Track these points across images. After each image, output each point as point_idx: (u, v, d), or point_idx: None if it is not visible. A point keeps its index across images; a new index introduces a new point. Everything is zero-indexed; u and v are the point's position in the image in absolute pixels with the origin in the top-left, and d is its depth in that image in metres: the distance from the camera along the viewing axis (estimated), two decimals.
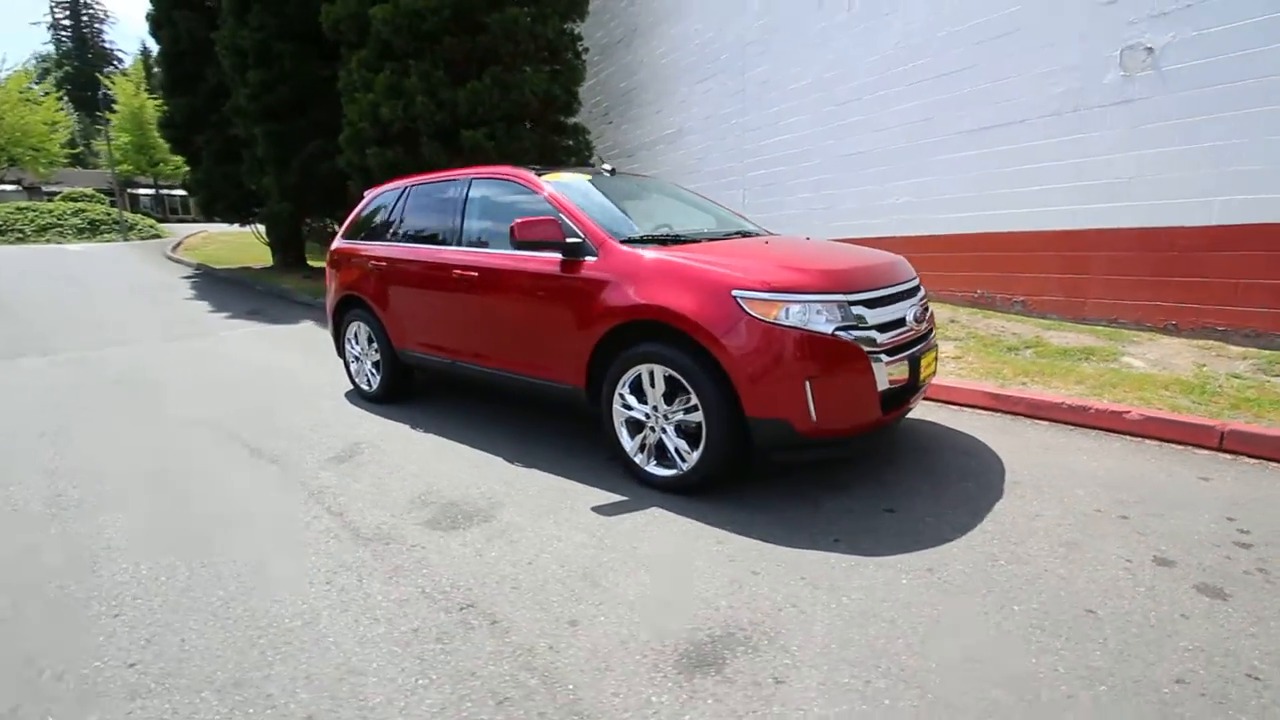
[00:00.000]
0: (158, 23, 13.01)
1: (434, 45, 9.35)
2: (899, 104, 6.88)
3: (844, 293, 2.66)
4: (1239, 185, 4.49)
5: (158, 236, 23.65)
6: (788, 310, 2.56)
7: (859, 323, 2.64)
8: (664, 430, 2.88)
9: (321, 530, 2.70)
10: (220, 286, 12.48)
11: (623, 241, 3.07)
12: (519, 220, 3.10)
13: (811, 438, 2.61)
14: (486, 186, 3.79)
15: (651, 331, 2.88)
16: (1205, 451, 3.18)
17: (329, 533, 2.68)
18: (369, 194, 4.85)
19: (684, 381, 2.74)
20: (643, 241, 3.13)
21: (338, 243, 4.88)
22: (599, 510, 2.79)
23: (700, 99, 10.00)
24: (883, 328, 2.72)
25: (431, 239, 4.03)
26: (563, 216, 3.19)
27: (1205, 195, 4.67)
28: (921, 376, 2.90)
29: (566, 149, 10.68)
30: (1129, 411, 3.47)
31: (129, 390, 5.10)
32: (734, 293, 2.62)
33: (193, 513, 2.90)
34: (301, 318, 9.37)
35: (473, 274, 3.62)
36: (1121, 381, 4.08)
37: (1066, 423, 3.67)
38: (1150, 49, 4.88)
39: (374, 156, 9.38)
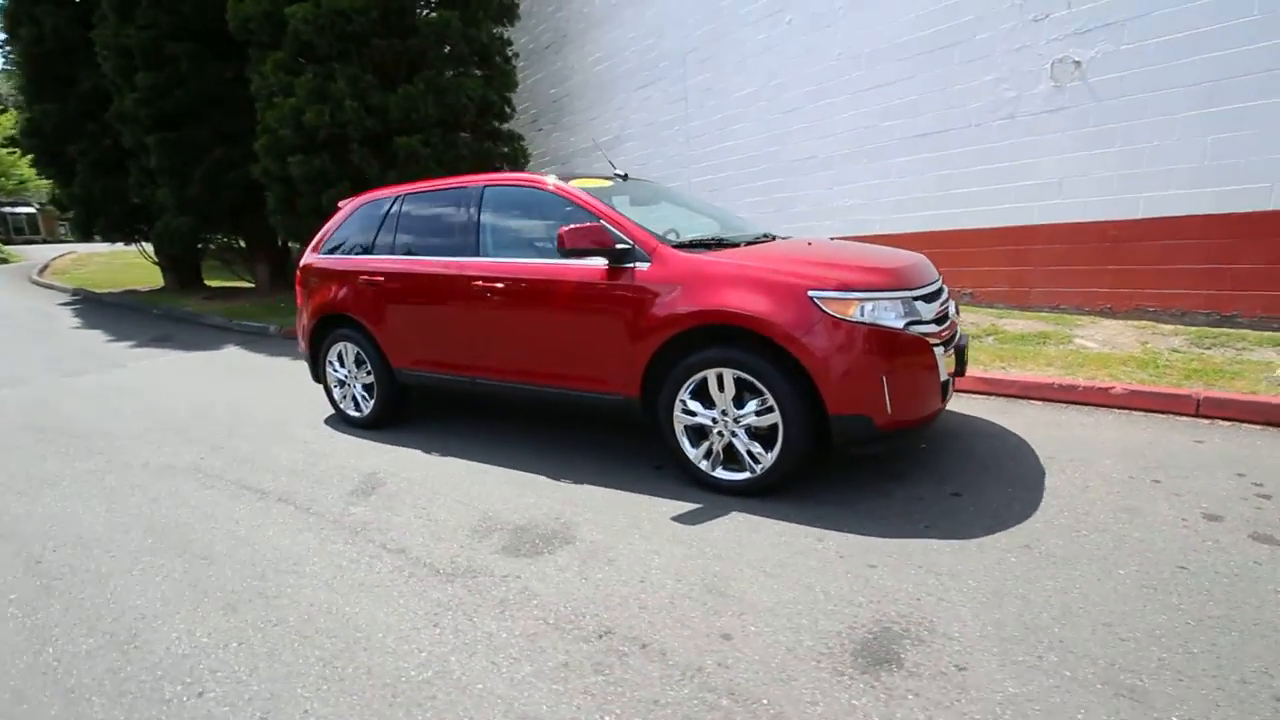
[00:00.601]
0: (15, 19, 11.40)
1: (361, 48, 8.83)
2: (844, 111, 7.26)
3: (906, 289, 2.77)
4: (1161, 183, 5.11)
5: (5, 261, 20.68)
6: (863, 308, 2.64)
7: (920, 317, 2.77)
8: (734, 434, 2.88)
9: (390, 570, 2.47)
10: (111, 312, 11.12)
11: (675, 247, 3.05)
12: (568, 227, 2.99)
13: (887, 431, 2.70)
14: (506, 194, 3.63)
15: (715, 336, 2.87)
16: (1185, 418, 3.59)
17: (400, 571, 2.45)
18: (345, 205, 4.50)
19: (758, 383, 2.75)
20: (692, 246, 3.12)
21: (310, 258, 4.48)
22: (680, 520, 2.74)
23: (640, 105, 10.07)
24: (936, 321, 2.87)
25: (439, 250, 3.80)
26: (606, 223, 3.11)
27: (1132, 192, 5.28)
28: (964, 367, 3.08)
29: (503, 156, 10.43)
30: (1113, 387, 3.86)
31: (57, 439, 4.42)
32: (810, 293, 2.66)
33: (225, 566, 2.56)
34: (221, 342, 8.55)
35: (499, 285, 3.44)
36: (1086, 361, 4.52)
37: (1058, 401, 4.02)
38: (1077, 62, 5.46)
39: (298, 165, 8.72)
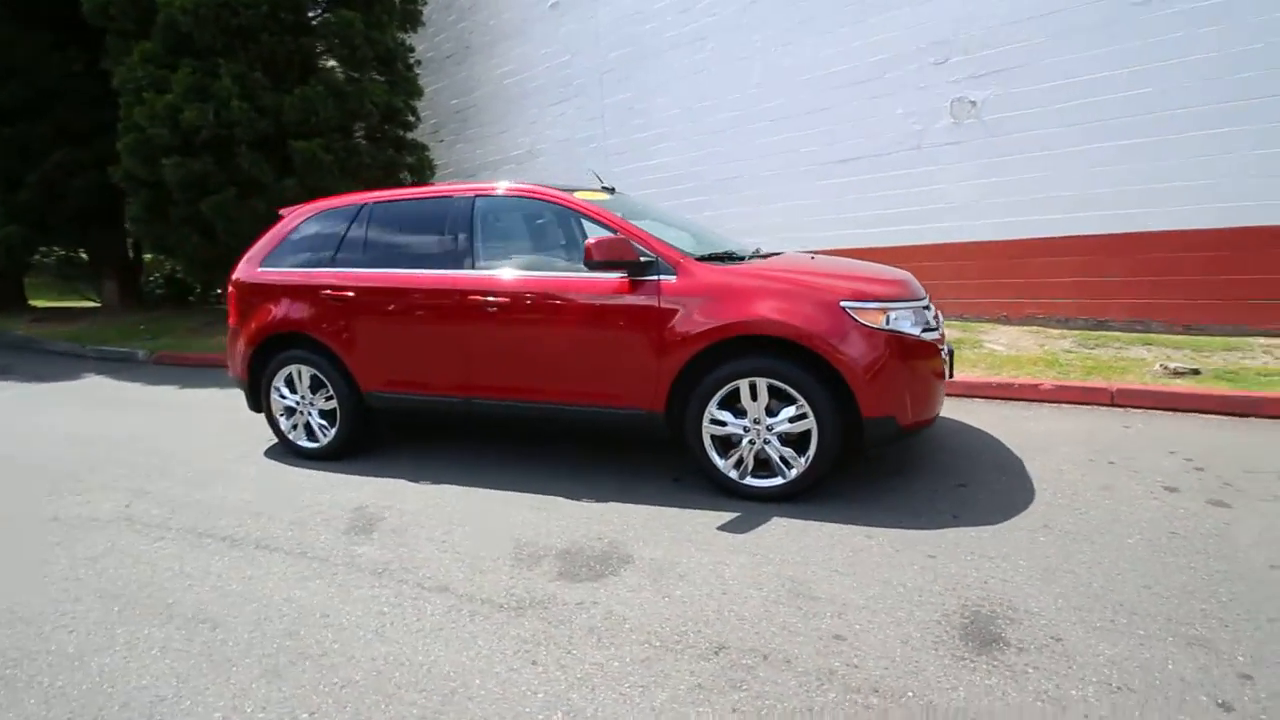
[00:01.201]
0: None
1: (249, 43, 8.03)
2: (767, 135, 7.71)
3: (916, 299, 3.01)
4: (1046, 208, 5.95)
5: None
6: (889, 317, 2.83)
7: (929, 325, 3.01)
8: (767, 441, 2.94)
9: (444, 610, 2.24)
10: None
11: (697, 260, 3.08)
12: (595, 240, 2.92)
13: (906, 431, 2.91)
14: (504, 205, 3.47)
15: (745, 347, 2.92)
16: (1103, 407, 4.19)
17: (456, 610, 2.24)
18: (292, 214, 4.05)
19: (792, 391, 2.84)
20: (710, 260, 3.16)
21: (248, 272, 3.98)
22: (727, 530, 2.75)
23: (554, 121, 10.01)
24: (935, 329, 3.14)
25: (424, 262, 3.53)
26: (627, 236, 3.07)
27: (1021, 215, 6.09)
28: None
29: (408, 166, 9.92)
30: (1042, 383, 4.42)
31: None
32: (843, 303, 2.80)
33: (236, 627, 2.19)
34: (77, 371, 7.36)
35: (504, 299, 3.27)
36: (1003, 362, 5.13)
37: (997, 397, 4.52)
38: (973, 101, 6.23)
39: (174, 169, 7.73)
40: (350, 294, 3.62)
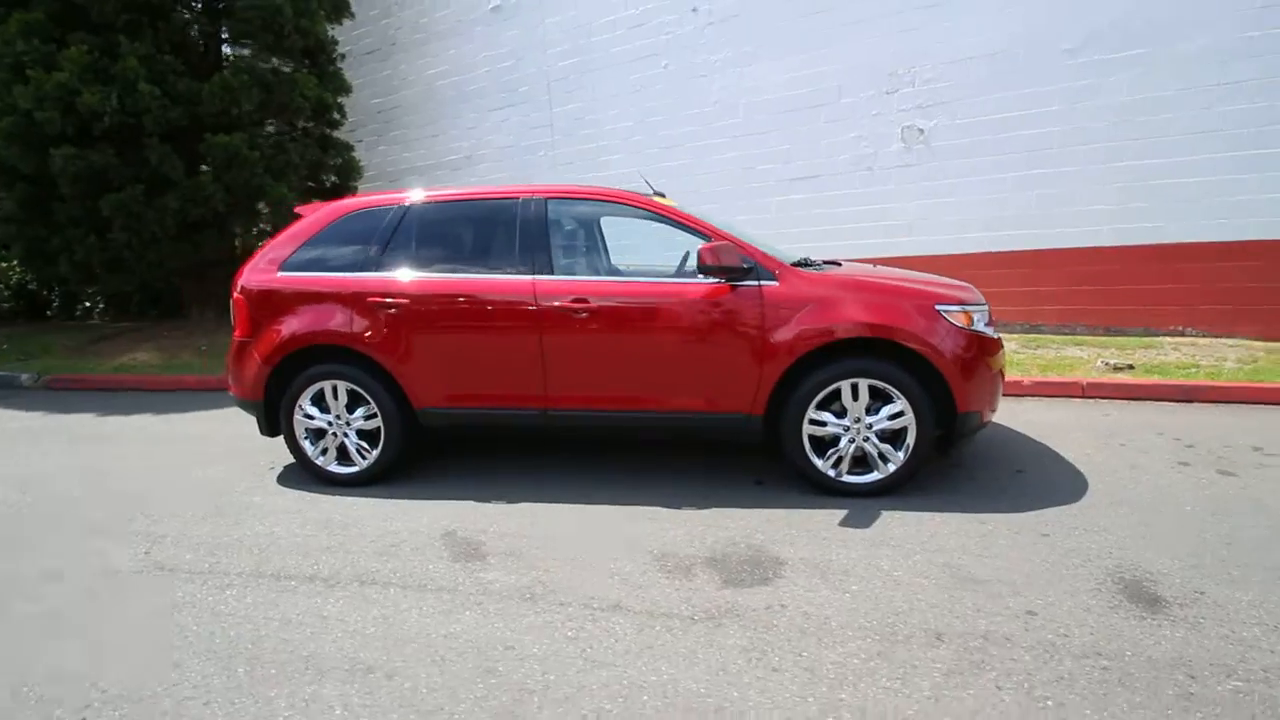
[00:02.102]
0: None
1: (158, 20, 7.09)
2: (723, 152, 8.01)
3: (984, 303, 3.31)
4: (986, 226, 6.71)
5: None
6: (973, 319, 3.09)
7: (992, 326, 3.33)
8: (866, 439, 3.09)
9: (637, 629, 2.14)
10: None
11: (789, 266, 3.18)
12: (710, 246, 2.94)
13: (984, 424, 3.19)
14: (579, 208, 3.37)
15: (846, 349, 3.06)
16: (1076, 399, 4.80)
17: (648, 629, 2.14)
18: (313, 213, 3.64)
19: (891, 389, 3.01)
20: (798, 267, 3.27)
21: (270, 277, 3.53)
22: (849, 525, 2.84)
23: (496, 127, 9.73)
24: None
25: (488, 267, 3.33)
26: (729, 243, 3.10)
27: (965, 233, 6.82)
28: None
29: (334, 168, 9.20)
30: (1024, 380, 4.98)
31: None
32: (938, 307, 3.03)
33: (415, 673, 1.95)
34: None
35: (593, 306, 3.16)
36: None
37: None
38: (921, 129, 6.90)
39: (66, 160, 6.66)
40: (406, 301, 3.32)
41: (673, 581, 2.45)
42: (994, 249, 6.70)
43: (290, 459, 3.95)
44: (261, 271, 3.57)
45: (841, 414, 3.09)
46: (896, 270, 3.79)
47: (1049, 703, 1.75)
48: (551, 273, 3.28)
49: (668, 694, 1.83)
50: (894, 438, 3.09)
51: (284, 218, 8.16)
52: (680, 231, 3.28)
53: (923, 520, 2.88)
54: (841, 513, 2.97)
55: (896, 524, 2.85)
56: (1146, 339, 6.00)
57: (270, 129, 8.54)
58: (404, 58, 10.45)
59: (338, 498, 3.40)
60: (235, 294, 3.59)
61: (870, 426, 3.07)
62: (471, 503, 3.27)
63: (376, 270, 3.42)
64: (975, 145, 6.65)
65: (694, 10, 7.96)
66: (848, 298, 3.07)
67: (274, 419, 3.57)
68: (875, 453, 3.09)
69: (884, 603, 2.25)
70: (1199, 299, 5.94)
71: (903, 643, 2.03)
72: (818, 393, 3.07)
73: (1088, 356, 5.69)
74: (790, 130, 7.56)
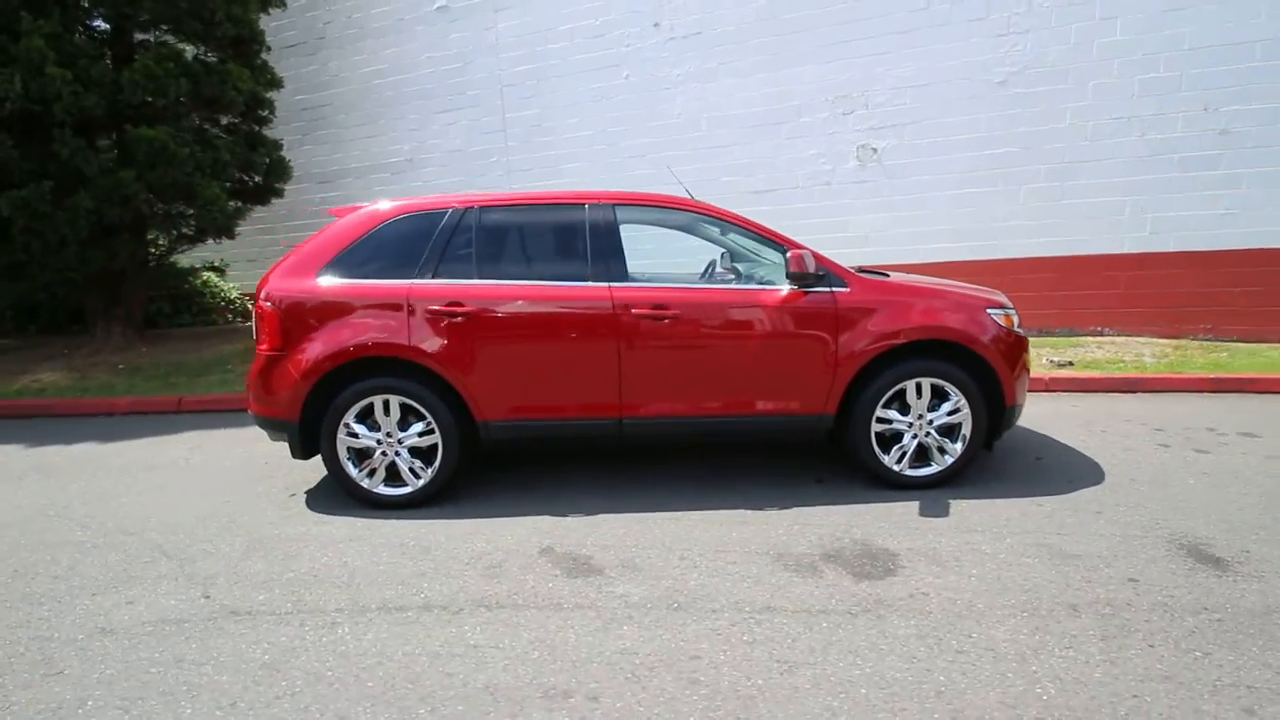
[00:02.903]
0: None
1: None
2: (686, 164, 8.15)
3: (1013, 307, 3.66)
4: (932, 239, 7.34)
5: None
6: (1013, 321, 3.41)
7: None
8: (928, 434, 3.32)
9: (806, 628, 2.18)
10: None
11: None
12: (798, 254, 3.08)
13: (1016, 418, 3.53)
14: (647, 214, 3.38)
15: (910, 351, 3.27)
16: (1043, 393, 5.37)
17: (812, 624, 2.19)
18: (359, 215, 3.37)
19: (949, 387, 3.26)
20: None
21: (308, 284, 3.22)
22: (930, 515, 3.03)
23: (443, 131, 9.36)
24: None
25: (556, 274, 3.25)
26: (806, 251, 3.22)
27: (913, 245, 7.43)
28: None
29: (264, 168, 8.47)
30: None
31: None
32: (988, 310, 3.32)
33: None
34: None
35: (673, 313, 3.17)
36: None
37: None
38: (874, 149, 7.45)
39: None
40: (473, 309, 3.15)
41: (806, 580, 2.51)
42: (941, 260, 7.34)
43: (310, 484, 3.64)
44: (295, 278, 3.25)
45: (905, 411, 3.31)
46: (938, 279, 4.10)
47: (1197, 653, 1.99)
48: (626, 280, 3.25)
49: (882, 684, 1.89)
50: (949, 432, 3.35)
51: (215, 221, 7.41)
52: (737, 234, 3.37)
53: (990, 507, 3.13)
54: (914, 504, 3.17)
55: (970, 511, 3.08)
56: (1073, 339, 6.83)
57: (191, 124, 7.71)
58: (335, 54, 9.80)
59: (394, 522, 3.15)
60: (260, 302, 3.25)
61: (931, 423, 3.31)
62: (548, 518, 3.16)
63: (435, 277, 3.23)
64: (921, 165, 7.28)
65: (656, 25, 8.12)
66: (910, 303, 3.29)
67: (313, 440, 3.25)
68: (935, 446, 3.33)
69: (1007, 582, 2.44)
70: (1115, 303, 6.85)
71: (1048, 616, 2.22)
72: (885, 392, 3.26)
73: (1032, 355, 6.38)
74: (752, 145, 7.89)
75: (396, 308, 3.18)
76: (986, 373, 3.29)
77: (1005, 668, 1.95)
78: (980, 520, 2.99)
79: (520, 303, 3.20)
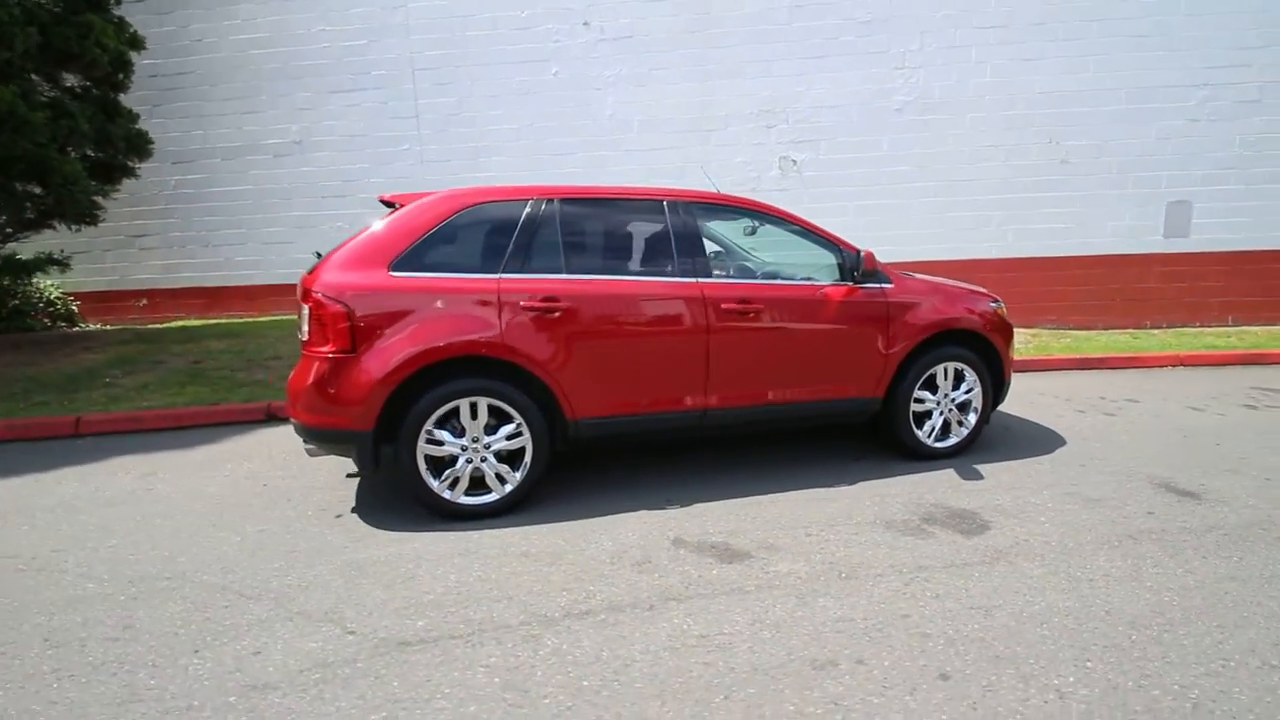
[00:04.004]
0: None
1: None
2: (618, 165, 8.32)
3: None
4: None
5: None
6: (1004, 311, 4.05)
7: None
8: (951, 411, 3.83)
9: (968, 579, 2.50)
10: None
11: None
12: (869, 252, 3.37)
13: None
14: (720, 212, 3.54)
15: (938, 340, 3.76)
16: None
17: (993, 572, 2.51)
18: (424, 204, 3.06)
19: (966, 369, 3.81)
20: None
21: (381, 277, 2.89)
22: (970, 479, 3.52)
23: (342, 113, 8.52)
24: None
25: (641, 269, 3.27)
26: (871, 251, 3.54)
27: None
28: None
29: (120, 142, 7.13)
30: None
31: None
32: (991, 304, 3.91)
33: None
34: None
35: (756, 307, 3.33)
36: None
37: None
38: (795, 160, 8.15)
39: None
40: (569, 305, 3.04)
41: (927, 541, 2.83)
42: None
43: (343, 503, 3.29)
44: (362, 271, 2.89)
45: (933, 391, 3.79)
46: (936, 276, 4.65)
47: (1232, 559, 2.62)
48: (710, 275, 3.35)
49: (1064, 613, 2.25)
50: (963, 408, 3.90)
51: (77, 204, 6.09)
52: (796, 233, 3.65)
53: (1008, 469, 3.71)
54: (949, 471, 3.66)
55: (998, 474, 3.63)
56: None
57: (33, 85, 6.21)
58: (199, 15, 8.44)
59: (484, 532, 2.94)
60: (319, 298, 2.84)
61: (954, 401, 3.84)
62: (645, 512, 3.16)
63: (523, 271, 3.06)
64: (834, 177, 8.13)
65: (585, 24, 8.13)
66: (937, 299, 3.79)
67: (376, 452, 2.93)
68: (955, 421, 3.86)
69: (1073, 526, 2.96)
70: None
71: (1121, 546, 2.75)
72: (922, 376, 3.72)
73: None
74: (684, 150, 8.22)
75: (487, 303, 2.97)
76: (993, 355, 3.89)
77: (1128, 586, 2.42)
78: (1010, 479, 3.54)
79: (616, 298, 3.16)
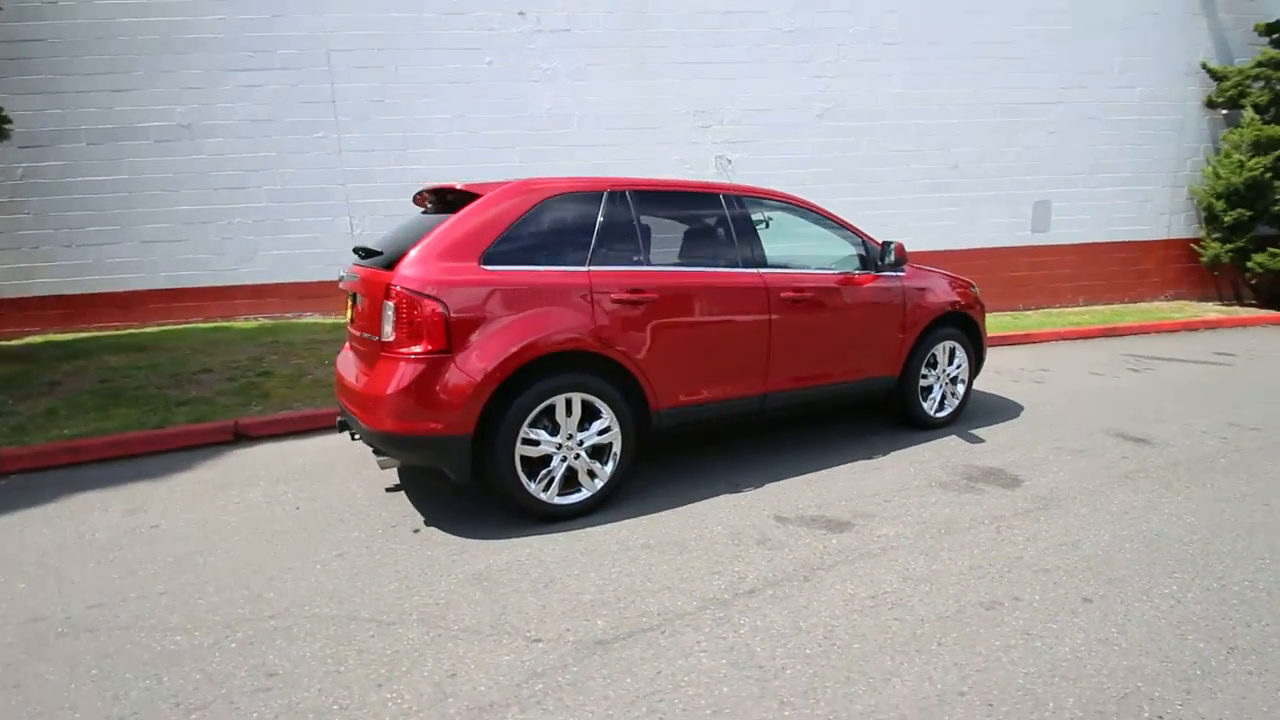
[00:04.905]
0: None
1: None
2: (557, 159, 8.20)
3: None
4: None
5: None
6: (978, 293, 4.61)
7: None
8: (946, 385, 4.31)
9: (1040, 521, 2.89)
10: None
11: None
12: (898, 244, 3.72)
13: None
14: (767, 205, 3.66)
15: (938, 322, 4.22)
16: None
17: (1050, 513, 2.91)
18: (502, 193, 2.90)
19: (959, 348, 4.32)
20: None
21: (476, 272, 2.75)
22: (975, 443, 4.02)
23: (241, 94, 7.63)
24: None
25: (712, 260, 3.37)
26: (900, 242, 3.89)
27: None
28: None
29: None
30: None
31: None
32: (972, 287, 4.45)
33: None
34: None
35: (808, 294, 3.55)
36: None
37: None
38: (729, 160, 8.54)
39: None
40: (655, 296, 3.04)
41: (982, 497, 3.22)
42: None
43: (402, 516, 3.10)
44: (451, 265, 2.71)
45: (933, 368, 4.26)
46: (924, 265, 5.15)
47: (1207, 486, 3.27)
48: (766, 266, 3.51)
49: (1135, 540, 2.70)
50: (954, 381, 4.41)
51: None
52: (824, 226, 3.93)
53: (999, 431, 4.26)
54: (953, 438, 4.14)
55: (994, 435, 4.17)
56: None
57: None
58: None
59: (590, 529, 2.89)
60: (409, 294, 2.62)
61: (949, 375, 4.33)
62: (726, 496, 3.27)
63: (608, 264, 3.02)
64: (763, 177, 8.50)
65: (521, 14, 7.91)
66: (937, 284, 4.25)
67: (487, 455, 2.77)
68: (949, 393, 4.37)
69: (1081, 472, 3.51)
70: None
71: (1128, 484, 3.32)
72: (926, 355, 4.16)
73: None
74: (624, 147, 8.29)
75: (580, 297, 2.90)
76: (976, 333, 4.45)
77: (1156, 514, 2.95)
78: (1006, 440, 4.09)
79: (693, 288, 3.22)
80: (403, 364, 2.67)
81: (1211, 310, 8.85)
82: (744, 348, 3.42)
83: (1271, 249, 8.31)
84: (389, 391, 2.67)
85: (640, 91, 8.23)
